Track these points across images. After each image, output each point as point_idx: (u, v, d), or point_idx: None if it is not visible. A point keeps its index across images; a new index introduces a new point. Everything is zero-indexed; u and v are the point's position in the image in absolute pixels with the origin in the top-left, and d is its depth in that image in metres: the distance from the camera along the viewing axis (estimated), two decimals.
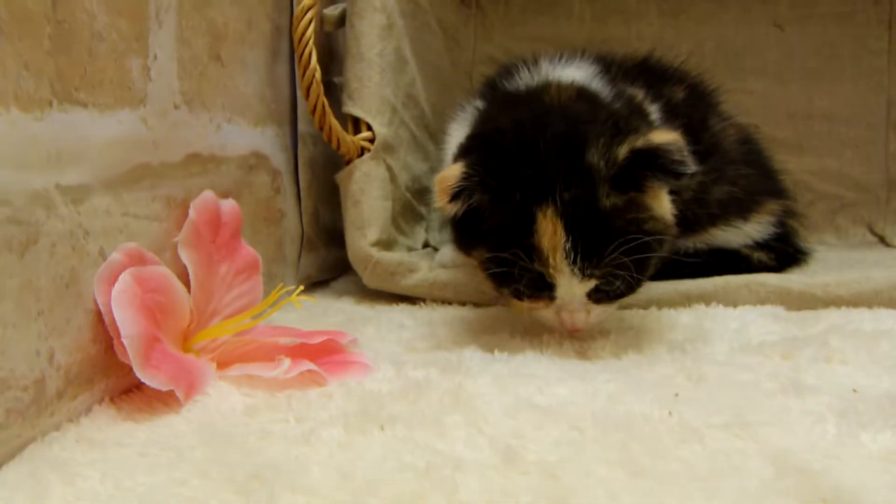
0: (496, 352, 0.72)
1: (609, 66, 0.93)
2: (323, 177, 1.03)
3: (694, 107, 0.97)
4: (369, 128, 0.99)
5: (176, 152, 0.68)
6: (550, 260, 0.69)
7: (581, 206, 0.68)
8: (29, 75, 0.48)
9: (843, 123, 1.25)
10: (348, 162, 0.97)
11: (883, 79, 1.24)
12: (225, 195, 0.75)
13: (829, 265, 1.03)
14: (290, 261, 0.96)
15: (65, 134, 0.52)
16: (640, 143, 0.69)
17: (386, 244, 0.98)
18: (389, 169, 1.01)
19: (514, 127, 0.75)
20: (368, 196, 0.97)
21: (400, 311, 0.90)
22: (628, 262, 0.68)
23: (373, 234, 0.95)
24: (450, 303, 0.93)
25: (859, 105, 1.25)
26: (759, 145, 1.04)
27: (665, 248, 0.75)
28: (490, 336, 0.78)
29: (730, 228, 0.96)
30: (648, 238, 0.69)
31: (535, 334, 0.77)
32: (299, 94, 0.93)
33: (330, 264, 1.08)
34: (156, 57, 0.63)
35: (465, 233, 0.77)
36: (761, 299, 0.88)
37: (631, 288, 0.73)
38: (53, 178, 0.51)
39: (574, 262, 0.68)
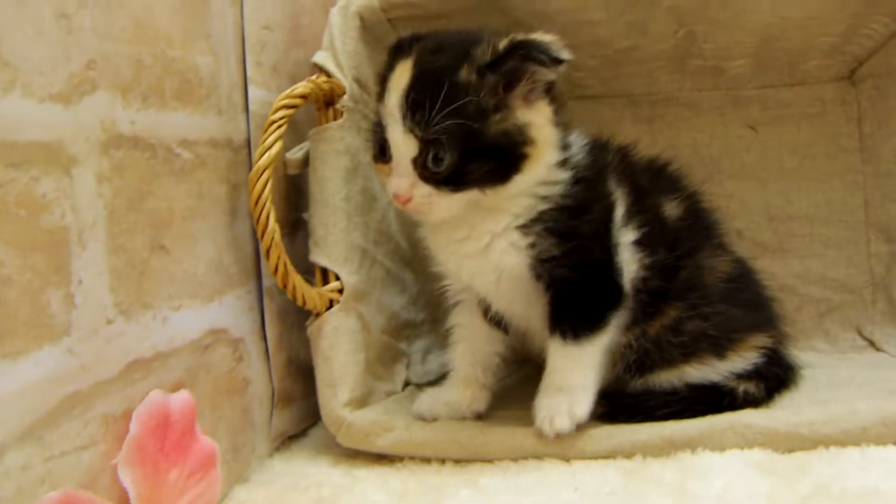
0: None
1: (602, 148, 0.93)
2: (297, 323, 1.00)
3: (690, 229, 0.95)
4: (338, 276, 0.97)
5: (112, 368, 0.64)
6: (389, 100, 0.78)
7: (434, 66, 0.77)
8: None
9: (824, 224, 1.23)
10: (318, 315, 0.95)
11: (858, 177, 1.22)
12: (176, 388, 0.73)
13: (817, 385, 1.00)
14: (260, 424, 0.93)
15: None
16: (520, 36, 0.77)
17: (360, 401, 0.95)
18: (361, 318, 0.98)
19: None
20: (339, 351, 0.94)
21: (377, 478, 0.86)
22: (455, 142, 0.75)
23: (344, 392, 0.93)
24: (429, 461, 0.90)
25: (838, 205, 1.23)
26: (751, 277, 1.01)
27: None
28: None
29: (703, 366, 0.93)
30: (492, 133, 0.77)
31: None
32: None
33: (308, 411, 1.04)
34: (80, 281, 0.60)
35: None
36: (748, 442, 0.84)
37: (456, 180, 0.78)
38: None
39: (404, 108, 0.76)
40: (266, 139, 0.87)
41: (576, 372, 0.86)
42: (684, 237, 0.93)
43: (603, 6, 1.06)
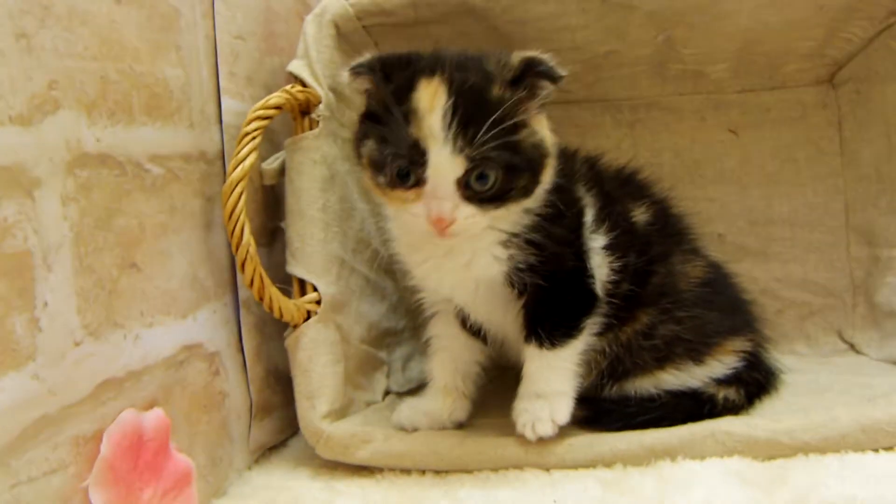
0: None
1: (570, 157, 0.94)
2: (276, 333, 0.99)
3: (660, 234, 0.95)
4: (316, 288, 0.96)
5: (81, 389, 0.64)
6: (426, 121, 0.73)
7: (468, 84, 0.75)
8: None
9: (805, 228, 1.23)
10: (295, 327, 0.94)
11: (838, 181, 1.22)
12: (150, 405, 0.72)
13: (798, 391, 1.00)
14: (239, 437, 0.92)
15: None
16: (528, 53, 0.78)
17: (339, 412, 0.94)
18: (339, 328, 0.98)
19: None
20: (317, 363, 0.93)
21: (357, 490, 0.86)
22: (502, 159, 0.74)
23: (323, 404, 0.92)
24: (409, 472, 0.89)
25: (819, 208, 1.23)
26: (726, 281, 1.01)
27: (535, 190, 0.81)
28: None
29: (680, 373, 0.93)
30: (525, 147, 0.77)
31: None
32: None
33: (289, 421, 1.04)
34: (46, 304, 0.59)
35: (362, 134, 0.81)
36: (728, 450, 0.84)
37: (500, 197, 0.76)
38: None
39: (449, 128, 0.72)
40: (239, 151, 0.86)
41: (554, 378, 0.86)
42: (654, 242, 0.93)
43: (580, 12, 1.06)
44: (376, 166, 0.79)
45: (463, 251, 0.85)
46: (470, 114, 0.73)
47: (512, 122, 0.75)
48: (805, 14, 1.08)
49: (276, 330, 0.98)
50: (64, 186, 0.62)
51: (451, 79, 0.75)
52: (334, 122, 1.00)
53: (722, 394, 0.94)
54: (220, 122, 0.91)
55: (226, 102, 0.91)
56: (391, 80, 0.78)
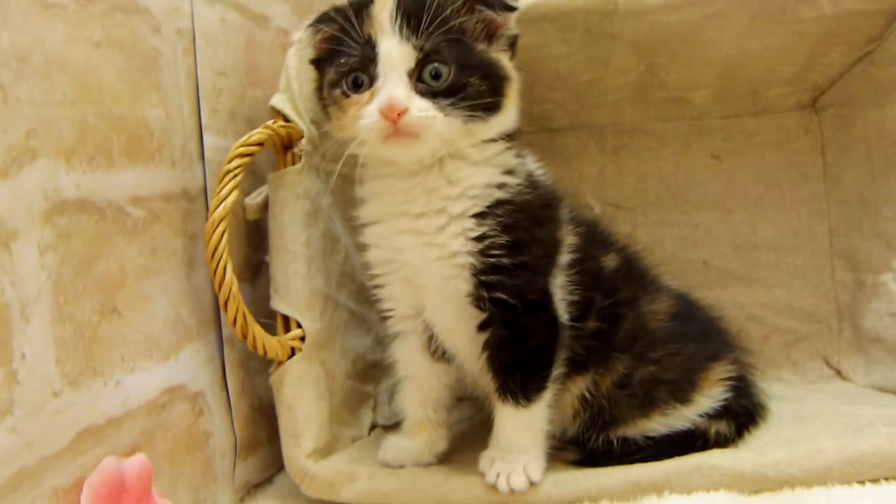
0: None
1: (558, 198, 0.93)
2: (260, 368, 0.99)
3: (626, 280, 0.94)
4: (300, 324, 0.96)
5: (60, 440, 0.63)
6: (377, 19, 0.78)
7: None
8: None
9: (790, 252, 1.23)
10: (280, 364, 0.94)
11: (822, 205, 1.23)
12: (131, 451, 0.71)
13: (783, 421, 1.00)
14: (224, 475, 0.91)
15: None
16: None
17: (324, 450, 0.94)
18: (324, 364, 0.97)
19: None
20: (302, 401, 0.93)
21: None
22: (452, 54, 0.77)
23: (308, 443, 0.91)
24: None
25: (803, 233, 1.23)
26: (696, 309, 1.01)
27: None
28: None
29: (667, 418, 0.92)
30: (481, 55, 0.81)
31: None
32: None
33: (275, 457, 1.03)
34: (24, 356, 0.59)
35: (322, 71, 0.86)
36: (714, 484, 0.84)
37: (454, 93, 0.78)
38: None
39: (395, 20, 0.77)
40: (221, 189, 0.86)
41: (528, 437, 0.86)
42: (622, 288, 0.93)
43: (562, 42, 1.06)
44: (333, 84, 0.82)
45: (436, 214, 0.83)
46: (414, 9, 0.78)
47: (462, 26, 0.80)
48: (785, 41, 1.08)
49: (260, 365, 0.98)
50: (41, 236, 0.62)
51: None
52: (317, 156, 1.00)
53: (714, 428, 0.93)
54: (203, 158, 0.90)
55: (208, 139, 0.91)
56: (353, 6, 0.82)
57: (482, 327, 0.85)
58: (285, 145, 0.98)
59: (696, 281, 1.21)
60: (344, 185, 1.09)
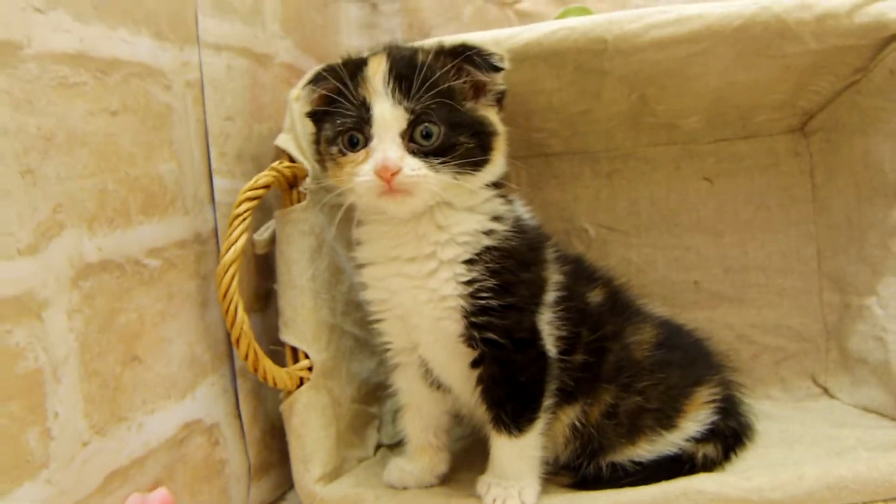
0: None
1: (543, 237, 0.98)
2: (272, 394, 1.04)
3: (611, 313, 0.99)
4: (307, 354, 1.01)
5: (90, 484, 0.68)
6: (371, 83, 0.84)
7: (406, 54, 0.87)
8: None
9: (779, 274, 1.27)
10: (290, 393, 0.99)
11: (811, 228, 1.26)
12: (154, 486, 0.77)
13: (769, 443, 1.04)
14: (239, 499, 0.97)
15: None
16: (466, 40, 0.88)
17: (332, 474, 0.99)
18: (331, 392, 1.03)
19: None
20: (310, 428, 0.98)
21: None
22: (442, 114, 0.82)
23: (316, 468, 0.97)
24: None
25: (792, 255, 1.27)
26: (679, 334, 1.05)
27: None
28: None
29: (653, 445, 0.97)
30: (468, 114, 0.85)
31: None
32: None
33: (286, 476, 1.08)
34: (57, 415, 0.64)
35: (319, 126, 0.91)
36: None
37: (444, 152, 0.82)
38: None
39: (388, 84, 0.83)
40: (231, 233, 0.91)
41: (523, 465, 0.91)
42: (607, 321, 0.97)
43: (554, 77, 1.10)
44: (330, 141, 0.87)
45: (427, 259, 0.87)
46: (405, 73, 0.83)
47: (450, 88, 0.84)
48: (772, 73, 1.12)
49: (271, 391, 1.03)
50: (69, 301, 0.67)
51: (391, 53, 0.87)
52: (321, 192, 1.05)
53: (701, 452, 0.97)
54: (213, 201, 0.95)
55: (217, 182, 0.96)
56: (347, 68, 0.87)
57: (474, 364, 0.90)
58: (290, 184, 1.03)
59: (688, 301, 1.26)
60: (347, 218, 1.14)
